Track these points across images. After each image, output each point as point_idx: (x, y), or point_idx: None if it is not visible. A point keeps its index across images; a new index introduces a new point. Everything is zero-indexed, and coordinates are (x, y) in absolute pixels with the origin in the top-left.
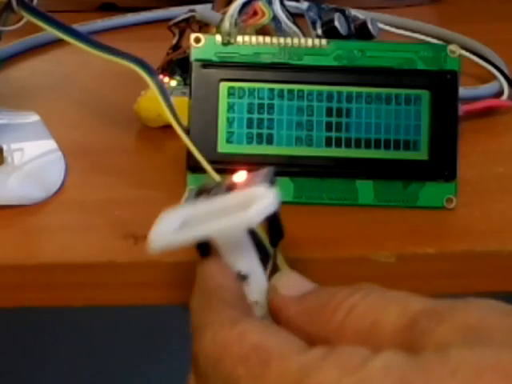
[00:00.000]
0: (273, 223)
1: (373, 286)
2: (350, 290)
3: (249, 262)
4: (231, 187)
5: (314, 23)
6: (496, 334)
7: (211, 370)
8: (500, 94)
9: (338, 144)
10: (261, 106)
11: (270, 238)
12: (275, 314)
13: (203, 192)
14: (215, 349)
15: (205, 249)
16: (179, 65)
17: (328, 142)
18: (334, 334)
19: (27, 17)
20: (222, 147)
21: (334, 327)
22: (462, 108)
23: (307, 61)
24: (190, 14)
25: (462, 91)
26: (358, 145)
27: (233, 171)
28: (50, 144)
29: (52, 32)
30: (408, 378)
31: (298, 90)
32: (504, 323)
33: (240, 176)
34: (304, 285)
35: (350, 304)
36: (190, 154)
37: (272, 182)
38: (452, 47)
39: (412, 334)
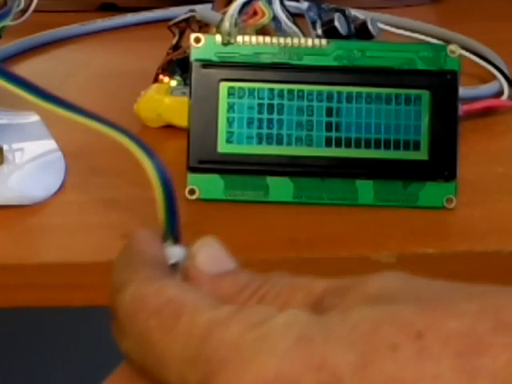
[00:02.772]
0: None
1: (282, 274)
2: (262, 279)
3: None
4: None
5: (314, 23)
6: (398, 296)
7: (128, 323)
8: (500, 94)
9: (338, 144)
10: (261, 106)
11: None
12: (188, 283)
13: None
14: (133, 303)
15: None
16: (179, 65)
17: (328, 142)
18: None
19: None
20: (222, 147)
21: None
22: (462, 108)
23: (307, 61)
24: (190, 14)
25: (462, 91)
26: (357, 145)
27: (233, 171)
28: (50, 144)
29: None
30: (308, 334)
31: (298, 90)
32: (406, 287)
33: None
34: (224, 262)
35: (260, 293)
36: (189, 154)
37: None
38: (452, 47)
39: (318, 313)
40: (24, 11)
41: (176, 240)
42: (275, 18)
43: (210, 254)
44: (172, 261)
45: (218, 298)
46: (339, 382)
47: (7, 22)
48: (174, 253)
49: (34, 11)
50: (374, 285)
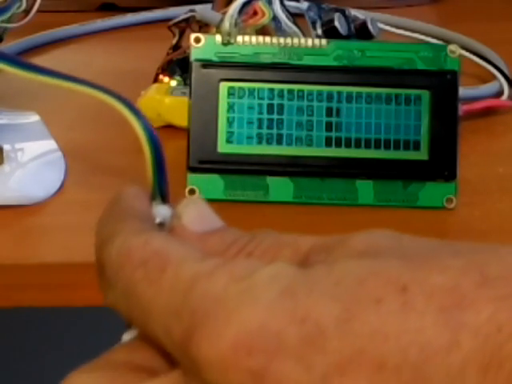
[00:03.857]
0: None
1: (268, 231)
2: (248, 236)
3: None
4: None
5: (314, 23)
6: (384, 253)
7: (114, 275)
8: (500, 94)
9: (338, 144)
10: (261, 106)
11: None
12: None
13: None
14: (119, 255)
15: None
16: (179, 65)
17: (328, 142)
18: None
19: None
20: (222, 147)
21: None
22: (462, 108)
23: (307, 61)
24: (190, 14)
25: (462, 91)
26: (357, 145)
27: (233, 171)
28: (50, 144)
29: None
30: (293, 287)
31: (298, 90)
32: (393, 244)
33: None
34: (210, 220)
35: (247, 251)
36: (189, 154)
37: None
38: (452, 47)
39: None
40: (26, 12)
41: (164, 199)
42: (275, 18)
43: (196, 213)
44: (158, 219)
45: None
46: (322, 334)
47: (5, 17)
48: (161, 212)
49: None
50: (360, 242)
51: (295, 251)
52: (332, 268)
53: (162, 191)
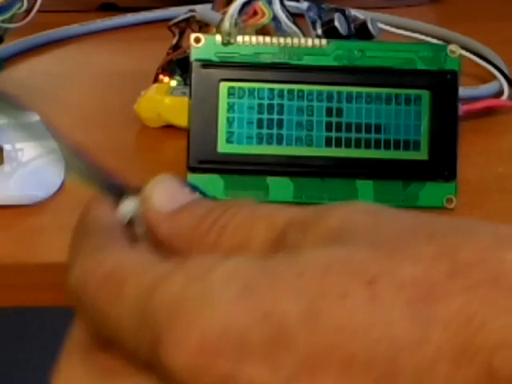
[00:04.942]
0: None
1: (242, 203)
2: (221, 208)
3: None
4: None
5: (314, 23)
6: (358, 232)
7: (80, 301)
8: (500, 94)
9: (338, 144)
10: (261, 106)
11: None
12: (150, 231)
13: None
14: (80, 281)
15: None
16: (179, 65)
17: (328, 142)
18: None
19: None
20: (222, 147)
21: (206, 249)
22: (462, 108)
23: (307, 61)
24: (190, 14)
25: (462, 91)
26: (357, 145)
27: (233, 171)
28: (49, 144)
29: None
30: (253, 283)
31: (298, 90)
32: (370, 223)
33: None
34: (180, 196)
35: (220, 224)
36: (189, 154)
37: None
38: (452, 47)
39: (281, 249)
40: (27, 12)
41: (137, 190)
42: (275, 18)
43: (164, 191)
44: (127, 217)
45: (178, 234)
46: (287, 331)
47: (6, 16)
48: (128, 207)
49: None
50: (337, 218)
51: (270, 226)
52: (295, 258)
53: (115, 186)
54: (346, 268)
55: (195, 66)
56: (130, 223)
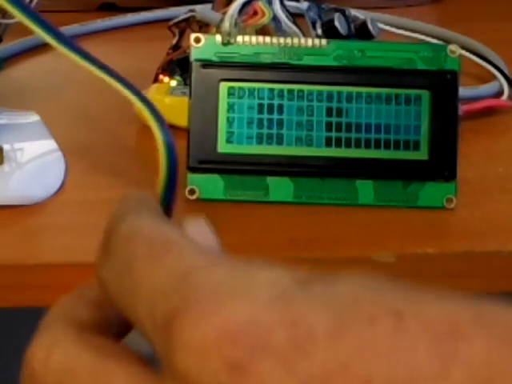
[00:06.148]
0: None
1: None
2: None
3: None
4: None
5: (314, 23)
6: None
7: (118, 248)
8: (500, 94)
9: (338, 144)
10: (261, 106)
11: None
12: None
13: None
14: (129, 230)
15: None
16: (179, 65)
17: (328, 142)
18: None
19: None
20: (222, 147)
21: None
22: (462, 108)
23: (307, 61)
24: (190, 14)
25: (462, 91)
26: (357, 145)
27: (233, 171)
28: (49, 144)
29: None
30: (290, 295)
31: (298, 90)
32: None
33: None
34: (209, 240)
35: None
36: (189, 154)
37: None
38: (452, 47)
39: None
40: None
41: (167, 211)
42: (275, 18)
43: (196, 230)
44: None
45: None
46: (312, 341)
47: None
48: None
49: None
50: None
51: None
52: (331, 284)
53: (167, 206)
54: (376, 300)
55: (195, 66)
56: None
